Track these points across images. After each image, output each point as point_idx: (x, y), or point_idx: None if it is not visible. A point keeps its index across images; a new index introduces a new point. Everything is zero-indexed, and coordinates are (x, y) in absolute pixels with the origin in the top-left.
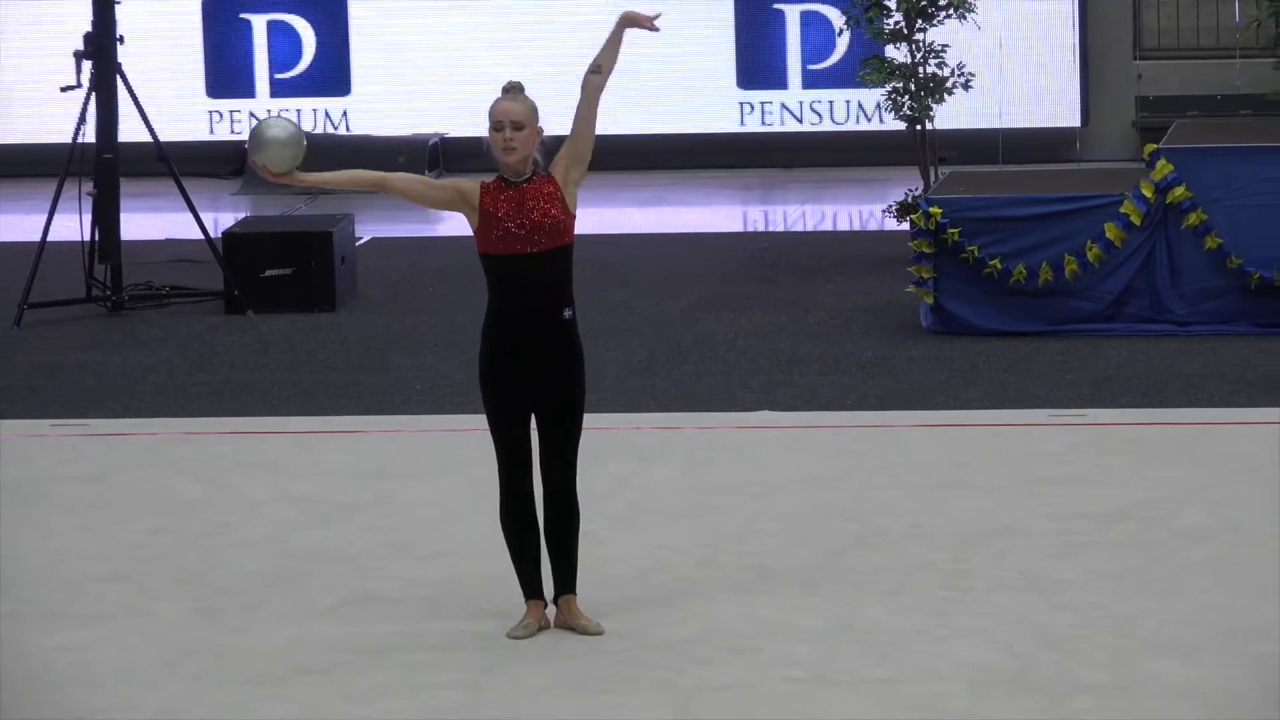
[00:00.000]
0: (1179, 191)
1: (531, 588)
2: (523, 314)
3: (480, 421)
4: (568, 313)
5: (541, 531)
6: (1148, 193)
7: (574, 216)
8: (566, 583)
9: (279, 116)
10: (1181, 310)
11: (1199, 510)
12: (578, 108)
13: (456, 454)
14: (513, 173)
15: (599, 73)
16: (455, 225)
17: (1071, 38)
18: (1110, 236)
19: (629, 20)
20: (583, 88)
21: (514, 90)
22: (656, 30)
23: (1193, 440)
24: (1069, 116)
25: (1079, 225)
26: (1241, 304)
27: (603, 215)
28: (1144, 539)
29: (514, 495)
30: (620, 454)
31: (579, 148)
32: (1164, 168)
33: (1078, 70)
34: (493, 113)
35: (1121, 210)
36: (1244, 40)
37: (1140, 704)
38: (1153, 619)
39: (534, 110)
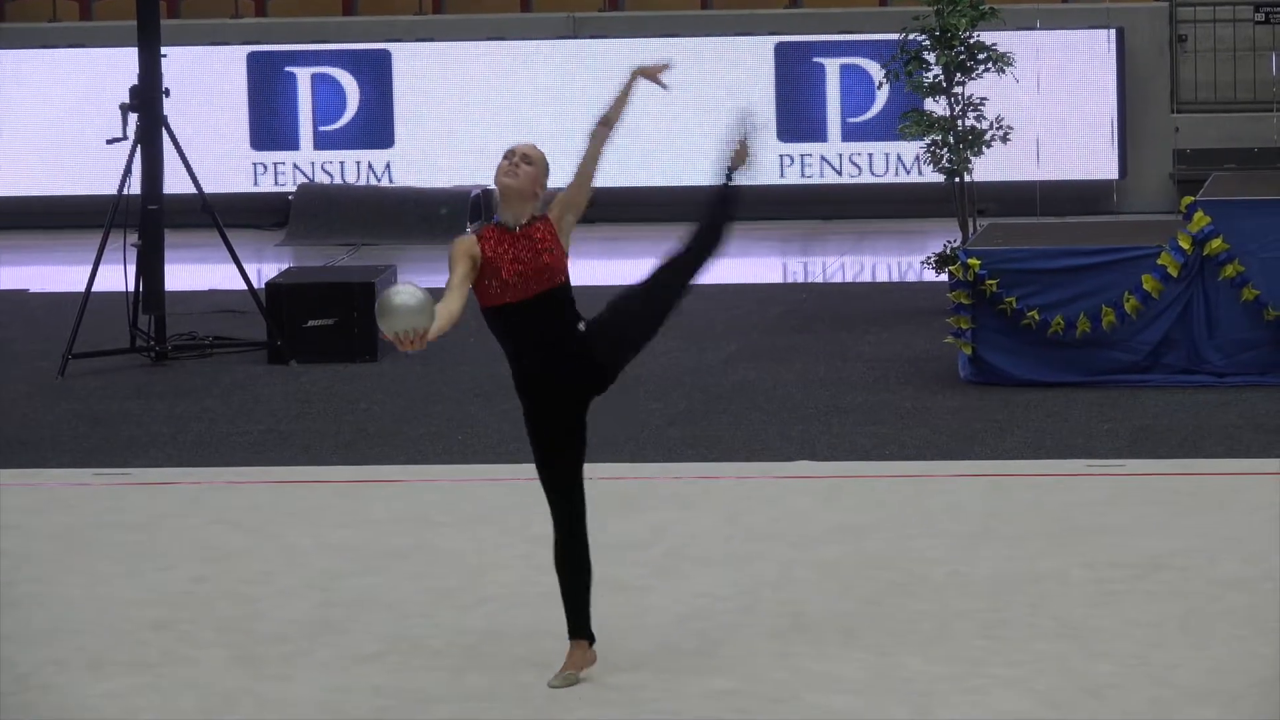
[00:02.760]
0: (1216, 244)
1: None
2: (543, 356)
3: (520, 471)
4: (582, 326)
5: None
6: (1185, 245)
7: (567, 256)
8: (585, 627)
9: (404, 284)
10: (1219, 361)
11: (1236, 560)
12: (582, 156)
13: (497, 502)
14: (511, 211)
15: (607, 125)
16: None
17: (1110, 91)
18: (1148, 288)
19: (640, 73)
20: (589, 137)
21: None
22: (666, 87)
23: (1229, 490)
24: (1107, 169)
25: (1116, 277)
26: (1278, 356)
27: (640, 266)
28: (1181, 588)
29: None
30: (660, 503)
31: (577, 196)
32: (1201, 220)
33: (1116, 123)
34: (507, 149)
35: (1159, 262)
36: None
37: None
38: (1192, 668)
39: (546, 161)
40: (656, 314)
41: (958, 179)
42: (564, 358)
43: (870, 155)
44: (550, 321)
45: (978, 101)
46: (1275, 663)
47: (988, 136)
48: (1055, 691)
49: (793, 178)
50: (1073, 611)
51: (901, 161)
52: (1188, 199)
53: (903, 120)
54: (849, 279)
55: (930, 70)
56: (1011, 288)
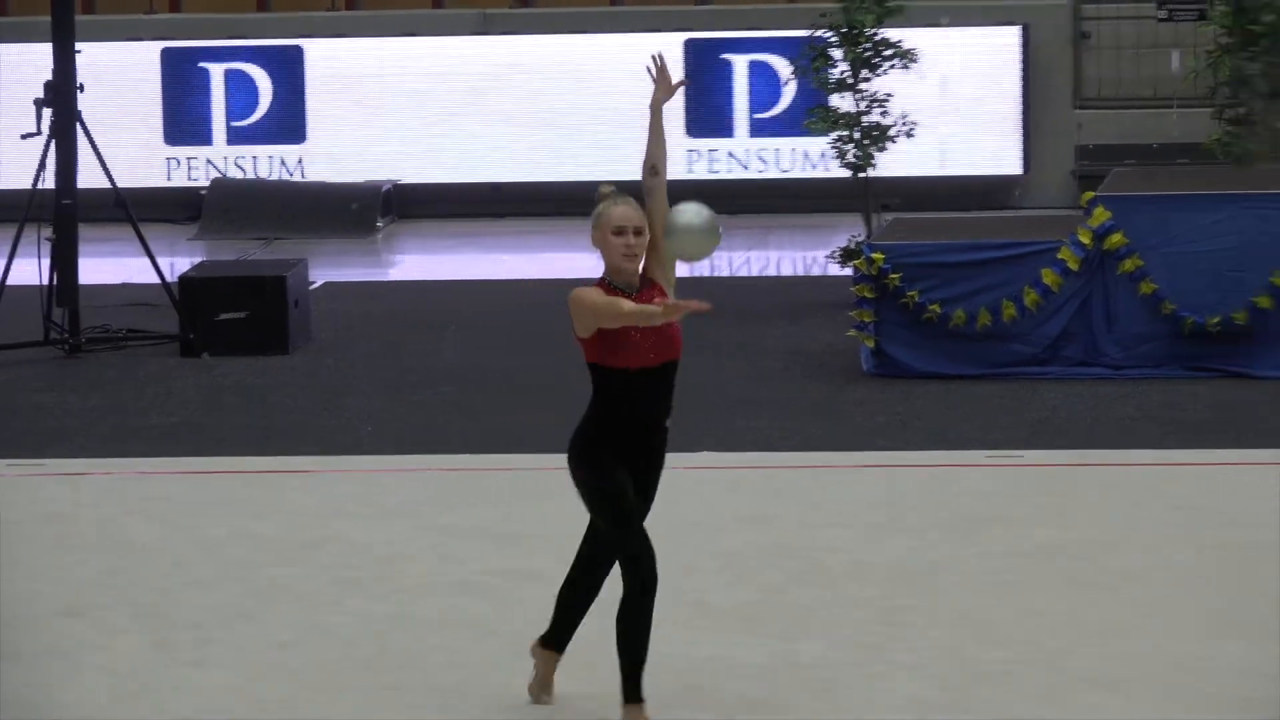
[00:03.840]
0: (1116, 238)
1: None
2: (641, 423)
3: (428, 461)
4: (669, 423)
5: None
6: (1085, 239)
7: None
8: (637, 680)
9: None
10: (1116, 354)
11: (1131, 549)
12: (649, 212)
13: (407, 494)
14: (626, 280)
15: (656, 173)
16: (405, 271)
17: (1014, 87)
18: (1048, 282)
19: (658, 103)
20: (647, 193)
21: (624, 196)
22: (686, 83)
23: (1125, 481)
24: (1010, 164)
25: (1017, 271)
26: (1174, 349)
27: (554, 260)
28: (1076, 577)
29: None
30: (567, 492)
31: (655, 263)
32: (1101, 215)
33: (1019, 119)
34: (612, 217)
35: (1059, 256)
36: (1181, 91)
37: None
38: (1085, 655)
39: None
40: None
41: (863, 174)
42: (656, 433)
43: (777, 150)
44: (667, 394)
45: (883, 97)
46: (1168, 650)
47: (892, 132)
48: (951, 676)
49: (700, 173)
50: (970, 599)
51: (808, 157)
52: (1088, 194)
53: (809, 116)
54: (755, 273)
55: (837, 67)
56: (914, 282)
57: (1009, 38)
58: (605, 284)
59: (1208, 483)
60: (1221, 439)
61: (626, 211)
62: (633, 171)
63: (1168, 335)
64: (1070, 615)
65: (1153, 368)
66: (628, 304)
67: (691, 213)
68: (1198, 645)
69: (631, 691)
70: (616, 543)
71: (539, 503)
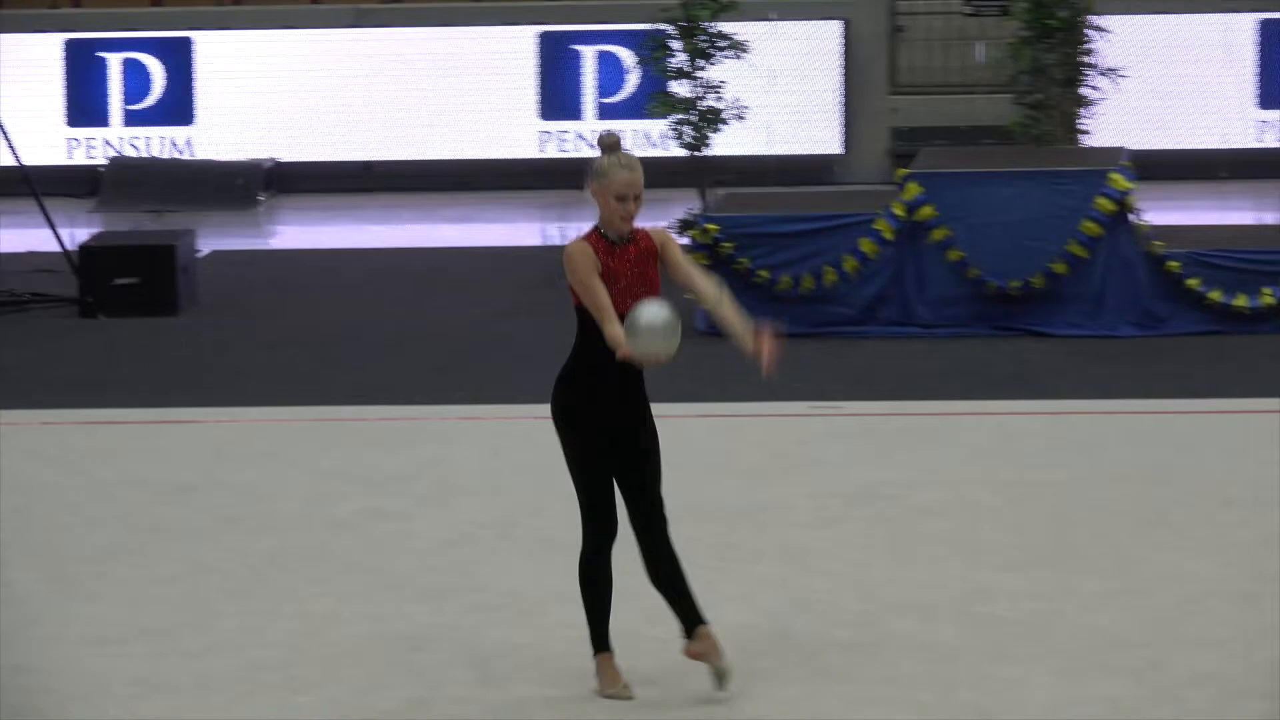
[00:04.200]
0: (926, 211)
1: (601, 641)
2: (629, 381)
3: (303, 412)
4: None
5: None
6: (899, 212)
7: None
8: (695, 615)
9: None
10: (927, 315)
11: (937, 489)
12: (716, 303)
13: (284, 439)
14: (617, 233)
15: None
16: (283, 240)
17: (835, 76)
18: (865, 250)
19: (734, 330)
20: (724, 310)
21: (629, 158)
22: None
23: (934, 429)
24: (831, 144)
25: (838, 240)
26: (979, 310)
27: (419, 231)
28: (888, 514)
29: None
30: (429, 440)
31: (675, 272)
32: (913, 189)
33: (840, 104)
34: (617, 183)
35: (875, 227)
36: (986, 78)
37: (882, 658)
38: (898, 585)
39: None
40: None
41: (698, 153)
42: (637, 374)
43: (624, 132)
44: None
45: (717, 84)
46: (968, 580)
47: (725, 115)
48: (775, 605)
49: (552, 152)
50: (794, 536)
51: (649, 137)
52: (902, 171)
53: (650, 101)
54: None
55: (676, 57)
56: (745, 250)
57: (831, 31)
58: (597, 234)
59: (1006, 430)
60: (1020, 391)
61: (632, 179)
62: (487, 147)
63: (973, 298)
64: (883, 549)
65: (959, 327)
66: (609, 326)
67: (651, 314)
68: (994, 575)
69: (597, 642)
70: (584, 521)
71: (404, 449)
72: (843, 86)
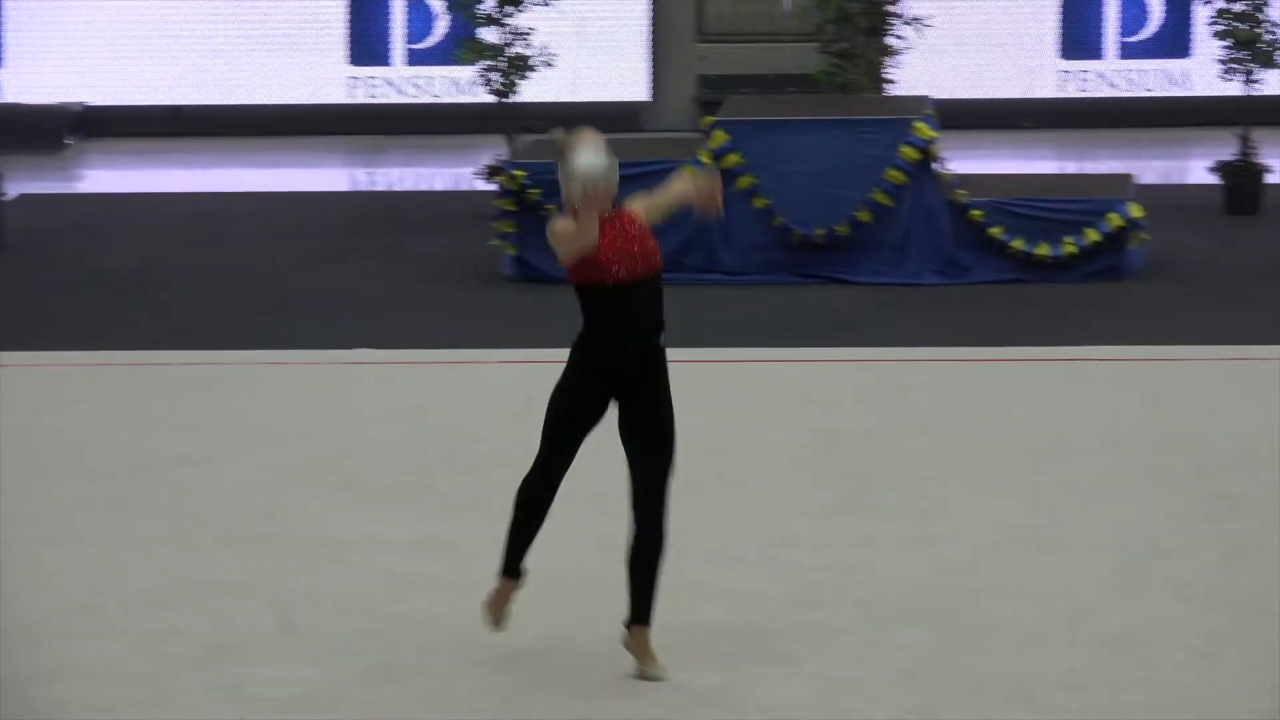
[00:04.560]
0: (732, 158)
1: (510, 566)
2: (633, 336)
3: (114, 356)
4: (663, 337)
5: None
6: (705, 159)
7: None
8: (643, 613)
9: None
10: (733, 263)
11: (740, 434)
12: (664, 194)
13: (92, 384)
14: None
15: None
16: (92, 184)
17: (642, 24)
18: None
19: (685, 197)
20: (669, 191)
21: (609, 159)
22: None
23: (738, 373)
24: (638, 92)
25: (645, 187)
26: (783, 257)
27: (229, 175)
28: (690, 460)
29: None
30: (236, 386)
31: (651, 215)
32: (720, 137)
33: (647, 51)
34: (596, 183)
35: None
36: (792, 27)
37: (684, 602)
38: (699, 531)
39: None
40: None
41: (506, 100)
42: (653, 348)
43: (431, 78)
44: (656, 307)
45: (525, 31)
46: (772, 525)
47: (533, 62)
48: (581, 551)
49: (361, 98)
50: (601, 480)
51: (457, 84)
52: (708, 119)
53: (459, 47)
54: (409, 188)
55: (485, 3)
56: (551, 196)
57: None
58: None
59: (810, 377)
60: (825, 338)
61: (611, 186)
62: (297, 92)
63: (777, 245)
64: (687, 494)
65: (765, 274)
66: (580, 224)
67: (587, 158)
68: (799, 522)
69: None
70: (540, 450)
71: (208, 395)
72: (650, 34)
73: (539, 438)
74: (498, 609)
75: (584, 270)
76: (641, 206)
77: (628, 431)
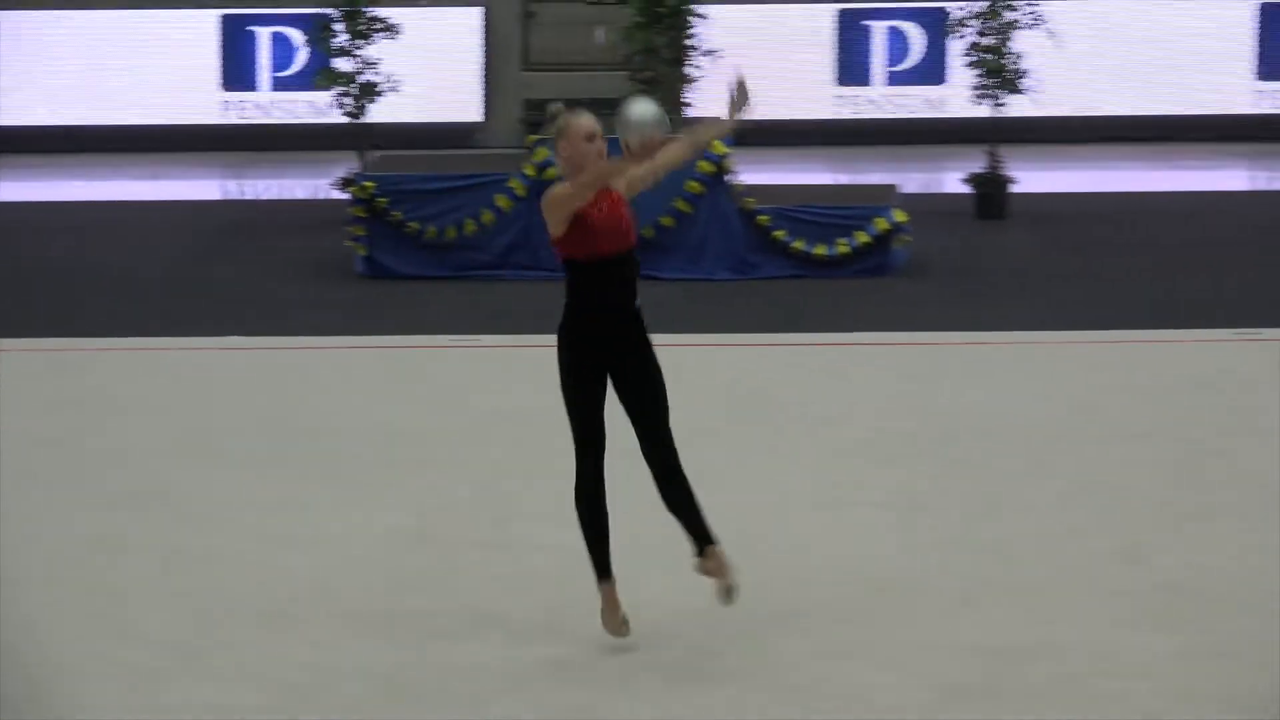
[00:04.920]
0: (553, 172)
1: (605, 568)
2: (617, 306)
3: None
4: (639, 303)
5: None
6: (529, 172)
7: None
8: (705, 535)
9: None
10: (553, 261)
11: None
12: (662, 156)
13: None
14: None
15: (695, 147)
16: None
17: (476, 55)
18: (500, 205)
19: (720, 131)
20: (681, 140)
21: (579, 108)
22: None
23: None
24: (473, 114)
25: (478, 196)
26: None
27: (115, 187)
28: (515, 434)
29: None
30: (111, 371)
31: (633, 186)
32: (542, 153)
33: (480, 79)
34: (582, 125)
35: (509, 185)
36: (605, 58)
37: (518, 557)
38: (526, 497)
39: None
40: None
41: (358, 120)
42: (631, 315)
43: (295, 102)
44: (631, 280)
45: (374, 61)
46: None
47: (380, 88)
48: (426, 509)
49: (233, 119)
50: (437, 450)
51: (315, 106)
52: (532, 137)
53: (317, 75)
54: (274, 197)
55: (339, 37)
56: (397, 204)
57: (472, 15)
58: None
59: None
60: (684, 325)
61: (592, 120)
62: (176, 114)
63: None
64: (511, 462)
65: None
66: (626, 166)
67: (640, 108)
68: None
69: (601, 573)
70: (576, 445)
71: (89, 377)
72: (483, 64)
73: (382, 414)
74: (613, 616)
75: (575, 244)
76: (623, 182)
77: (627, 394)
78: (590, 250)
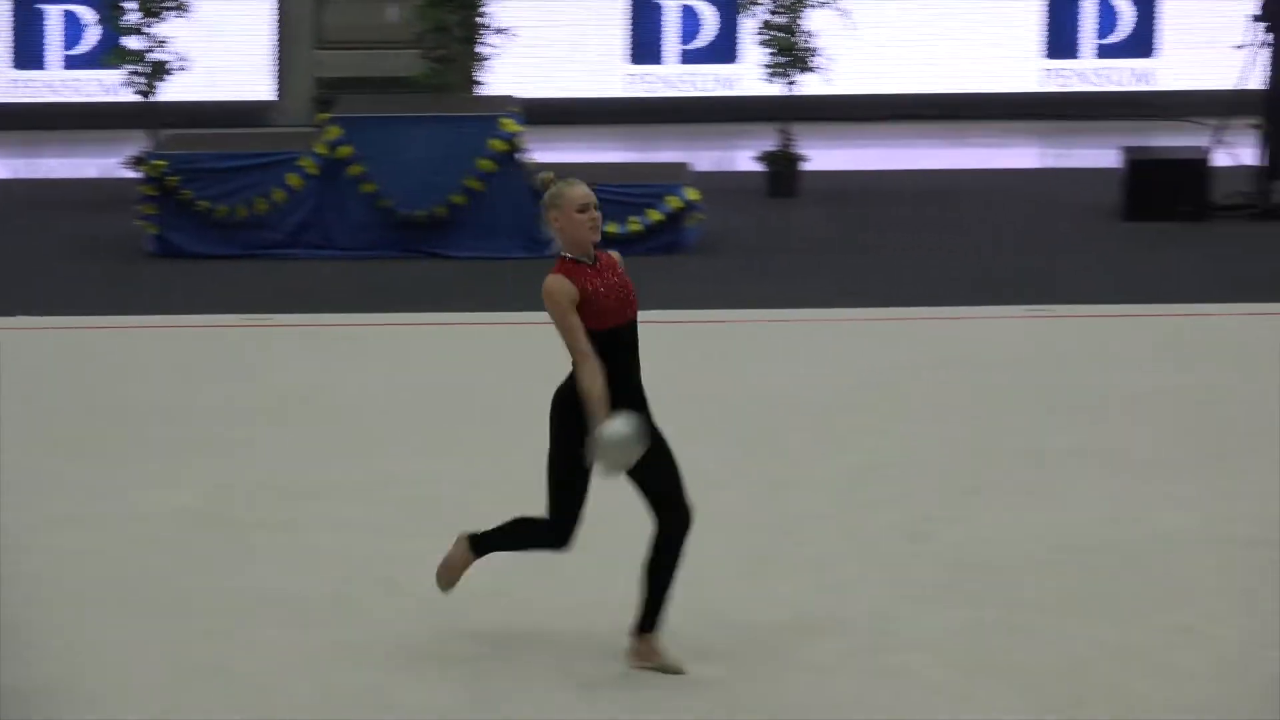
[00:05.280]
0: (345, 150)
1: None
2: (623, 377)
3: None
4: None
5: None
6: (321, 150)
7: None
8: (653, 621)
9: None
10: (345, 239)
11: (347, 392)
12: None
13: None
14: (585, 253)
15: None
16: None
17: (270, 33)
18: (292, 183)
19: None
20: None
21: (571, 178)
22: None
23: (350, 337)
24: (265, 92)
25: (270, 175)
26: (390, 235)
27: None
28: (307, 413)
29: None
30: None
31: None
32: (334, 131)
33: (274, 57)
34: (574, 197)
35: (300, 164)
36: (398, 36)
37: (305, 538)
38: (321, 472)
39: None
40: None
41: (148, 98)
42: (636, 385)
43: (85, 80)
44: (634, 350)
45: (164, 39)
46: (368, 467)
47: (171, 66)
48: (199, 488)
49: (23, 97)
50: (229, 430)
51: (104, 85)
52: (323, 115)
53: (108, 54)
54: (65, 176)
55: (130, 16)
56: (189, 183)
57: None
58: (567, 261)
59: (406, 339)
60: (424, 304)
61: (585, 190)
62: None
63: (384, 225)
64: (301, 441)
65: (372, 250)
66: (586, 366)
67: (617, 427)
68: (395, 462)
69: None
70: (550, 520)
71: None
72: (275, 42)
73: (201, 395)
74: (454, 572)
75: (583, 318)
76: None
77: (638, 469)
78: (597, 324)
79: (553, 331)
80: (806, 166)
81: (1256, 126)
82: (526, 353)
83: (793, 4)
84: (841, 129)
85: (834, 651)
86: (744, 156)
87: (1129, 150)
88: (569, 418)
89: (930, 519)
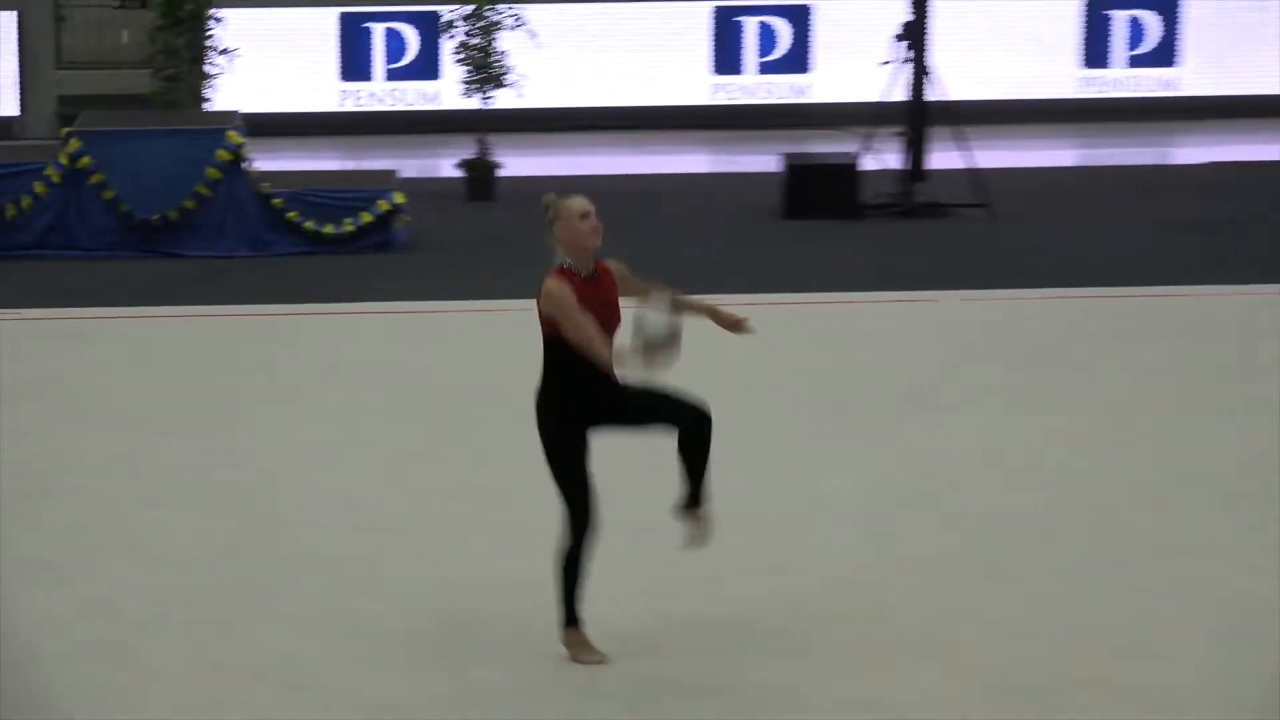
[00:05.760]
0: (86, 160)
1: (571, 617)
2: (603, 385)
3: None
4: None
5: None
6: (64, 161)
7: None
8: (697, 498)
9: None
10: (88, 241)
11: (91, 380)
12: (649, 289)
13: None
14: (584, 265)
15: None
16: None
17: (12, 54)
18: (38, 191)
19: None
20: (668, 299)
21: (569, 193)
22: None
23: (77, 331)
24: (11, 108)
25: (18, 183)
26: (129, 237)
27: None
28: (40, 405)
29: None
30: None
31: (634, 291)
32: (75, 144)
33: (16, 77)
34: (575, 206)
35: (45, 173)
36: (136, 57)
37: (55, 529)
38: (59, 463)
39: None
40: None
41: None
42: (615, 387)
43: None
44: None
45: None
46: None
47: None
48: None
49: None
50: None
51: None
52: (65, 129)
53: None
54: None
55: None
56: None
57: (8, 19)
58: (567, 271)
59: (147, 333)
60: (157, 299)
61: (585, 200)
62: None
63: (124, 228)
64: (38, 431)
65: (113, 250)
66: (601, 351)
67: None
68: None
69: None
70: (569, 518)
71: None
72: (19, 63)
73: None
74: (586, 650)
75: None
76: (629, 281)
77: (628, 416)
78: None
79: (279, 325)
80: (502, 173)
81: (900, 134)
82: (253, 342)
83: (487, 27)
84: (533, 139)
85: (536, 606)
86: (446, 164)
87: (788, 156)
88: (549, 417)
89: (620, 482)
